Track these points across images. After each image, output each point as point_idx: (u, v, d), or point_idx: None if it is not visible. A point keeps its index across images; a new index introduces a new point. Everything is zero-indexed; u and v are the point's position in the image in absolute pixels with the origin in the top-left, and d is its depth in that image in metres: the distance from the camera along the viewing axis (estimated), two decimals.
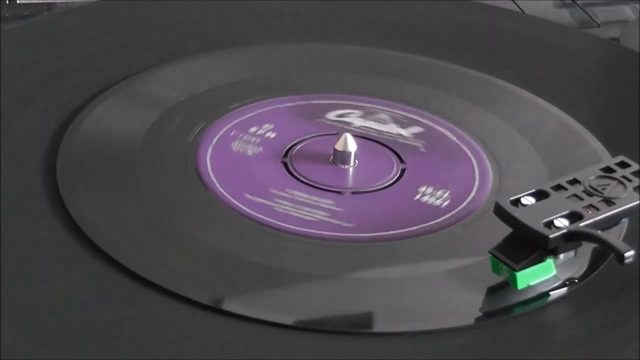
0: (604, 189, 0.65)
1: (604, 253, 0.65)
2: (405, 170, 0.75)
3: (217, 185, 0.71)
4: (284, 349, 0.58)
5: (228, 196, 0.70)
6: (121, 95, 0.81)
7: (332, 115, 0.81)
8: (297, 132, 0.78)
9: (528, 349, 0.59)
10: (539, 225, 0.61)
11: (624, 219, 0.65)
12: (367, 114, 0.81)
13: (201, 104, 0.82)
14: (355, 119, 0.80)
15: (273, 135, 0.78)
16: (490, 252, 0.62)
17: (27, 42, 0.89)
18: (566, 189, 0.65)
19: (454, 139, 0.79)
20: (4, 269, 0.62)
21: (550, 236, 0.60)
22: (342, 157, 0.74)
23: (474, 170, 0.75)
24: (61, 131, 0.76)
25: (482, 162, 0.76)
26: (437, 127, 0.80)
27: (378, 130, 0.79)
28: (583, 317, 0.62)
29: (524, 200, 0.63)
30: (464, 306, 0.62)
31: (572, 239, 0.61)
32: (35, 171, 0.71)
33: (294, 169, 0.74)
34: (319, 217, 0.69)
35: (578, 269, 0.64)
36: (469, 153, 0.77)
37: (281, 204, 0.70)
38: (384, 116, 0.81)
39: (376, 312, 0.62)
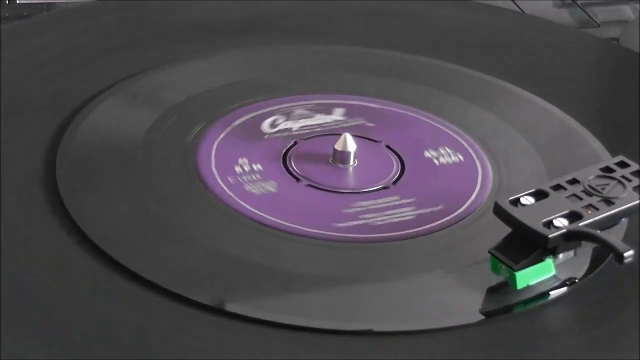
0: (603, 188, 0.65)
1: (604, 253, 0.65)
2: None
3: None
4: (284, 349, 0.58)
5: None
6: (121, 96, 0.81)
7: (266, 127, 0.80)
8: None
9: (528, 349, 0.59)
10: (538, 225, 0.61)
11: (623, 219, 0.65)
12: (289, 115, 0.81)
13: (201, 104, 0.82)
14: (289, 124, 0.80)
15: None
16: (489, 252, 0.62)
17: (27, 42, 0.89)
18: (565, 189, 0.65)
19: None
20: (4, 269, 0.62)
21: (550, 236, 0.60)
22: (341, 157, 0.74)
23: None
24: (61, 131, 0.76)
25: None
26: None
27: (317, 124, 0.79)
28: (583, 317, 0.62)
29: (523, 200, 0.63)
30: (463, 306, 0.62)
31: (572, 238, 0.61)
32: (35, 171, 0.71)
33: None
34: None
35: (578, 269, 0.64)
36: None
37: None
38: (303, 111, 0.81)
39: (377, 313, 0.62)
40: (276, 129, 0.78)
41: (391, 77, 0.88)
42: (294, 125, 0.79)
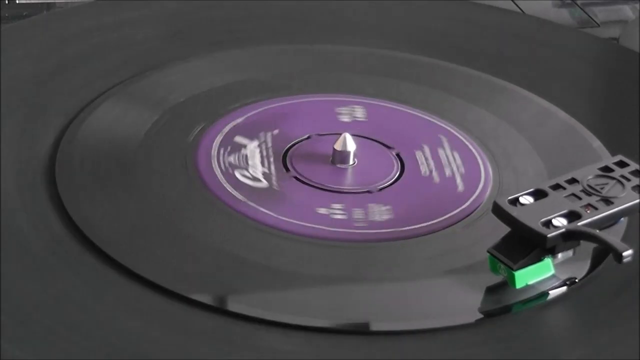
0: (602, 188, 0.65)
1: (603, 252, 0.65)
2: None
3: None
4: (285, 349, 0.58)
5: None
6: (121, 96, 0.82)
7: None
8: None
9: (527, 349, 0.59)
10: (537, 225, 0.61)
11: (622, 218, 0.65)
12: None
13: (201, 104, 0.82)
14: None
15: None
16: (488, 252, 0.62)
17: (27, 42, 0.89)
18: (565, 188, 0.65)
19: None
20: (4, 269, 0.62)
21: (548, 235, 0.61)
22: (341, 156, 0.74)
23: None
24: (61, 131, 0.76)
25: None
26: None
27: None
28: (582, 317, 0.62)
29: (522, 200, 0.63)
30: (463, 306, 0.62)
31: (570, 238, 0.61)
32: (36, 171, 0.71)
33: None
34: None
35: (577, 269, 0.64)
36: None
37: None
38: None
39: (376, 312, 0.62)
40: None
41: (391, 77, 0.88)
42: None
